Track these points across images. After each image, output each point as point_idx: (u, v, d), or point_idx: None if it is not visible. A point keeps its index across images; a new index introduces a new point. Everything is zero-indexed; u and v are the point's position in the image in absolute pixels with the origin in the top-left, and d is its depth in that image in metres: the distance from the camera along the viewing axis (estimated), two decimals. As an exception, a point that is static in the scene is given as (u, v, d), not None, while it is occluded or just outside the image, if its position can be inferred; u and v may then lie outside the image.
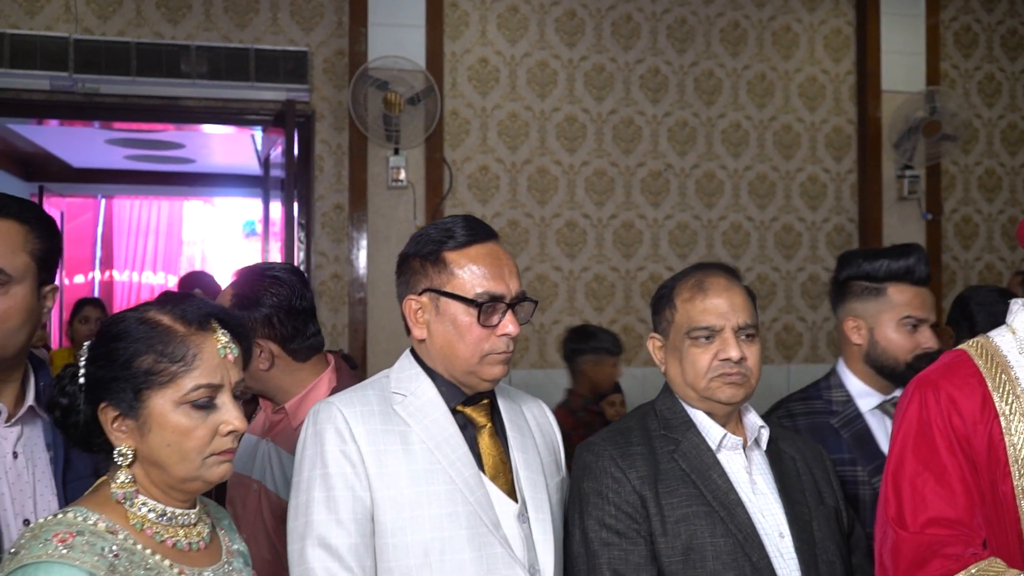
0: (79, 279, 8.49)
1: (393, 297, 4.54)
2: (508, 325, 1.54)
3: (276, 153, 4.75)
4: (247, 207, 8.75)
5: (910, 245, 2.11)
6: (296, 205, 4.43)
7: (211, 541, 1.34)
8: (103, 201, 8.61)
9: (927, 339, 2.03)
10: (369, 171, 4.51)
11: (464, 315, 1.53)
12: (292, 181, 4.29)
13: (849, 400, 2.07)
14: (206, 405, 1.26)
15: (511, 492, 1.56)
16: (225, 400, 1.28)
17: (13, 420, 1.53)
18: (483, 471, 1.54)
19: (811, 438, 1.91)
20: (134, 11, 4.40)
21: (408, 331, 1.61)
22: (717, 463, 1.66)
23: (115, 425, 1.25)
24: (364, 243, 4.52)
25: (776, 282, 4.99)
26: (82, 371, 1.27)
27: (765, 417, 1.87)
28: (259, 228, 8.73)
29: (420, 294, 1.57)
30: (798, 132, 4.98)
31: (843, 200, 5.03)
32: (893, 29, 4.93)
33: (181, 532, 1.29)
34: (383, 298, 4.52)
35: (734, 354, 1.65)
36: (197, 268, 7.96)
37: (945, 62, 5.08)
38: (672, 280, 1.79)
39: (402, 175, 4.47)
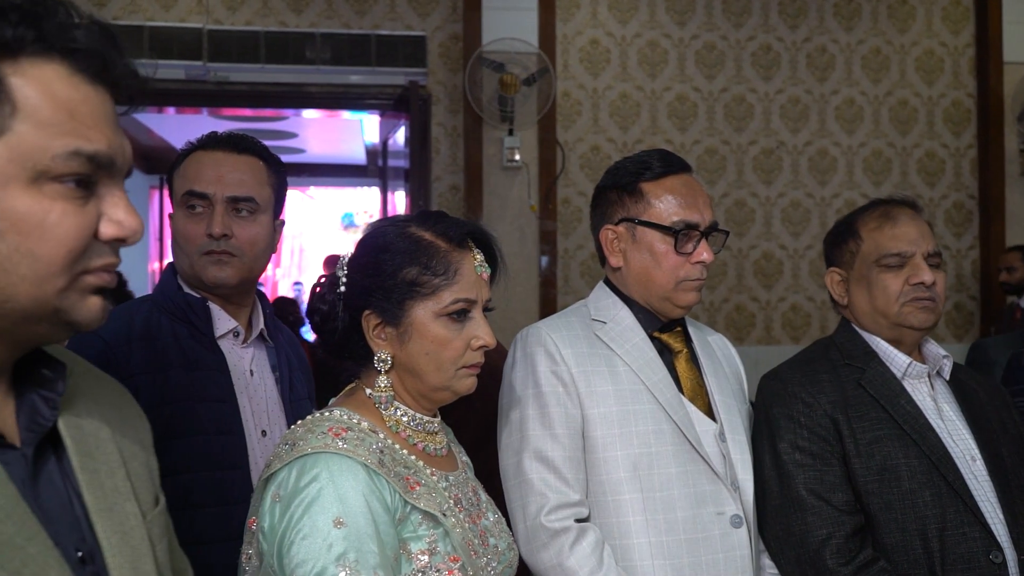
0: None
1: (509, 275, 4.65)
2: (703, 252, 1.60)
3: (393, 138, 4.89)
4: (348, 198, 8.98)
5: None
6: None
7: (449, 451, 1.41)
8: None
9: None
10: (484, 152, 4.60)
11: (660, 243, 1.60)
12: (415, 162, 4.41)
13: None
14: (462, 318, 1.31)
15: (709, 413, 1.61)
16: (477, 315, 1.33)
17: (248, 342, 1.65)
18: (681, 393, 1.60)
19: None
20: (260, 1, 4.59)
21: (603, 261, 1.68)
22: (904, 390, 1.68)
23: (375, 332, 1.31)
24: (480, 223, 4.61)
25: (893, 260, 4.91)
26: (343, 280, 1.33)
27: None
28: (357, 219, 8.97)
29: (617, 224, 1.64)
30: (915, 107, 4.90)
31: (963, 176, 4.92)
32: (1014, -1, 4.82)
33: (428, 438, 1.35)
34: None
35: (927, 277, 1.68)
36: (296, 260, 8.24)
37: (1070, 32, 4.93)
38: (851, 216, 1.82)
39: (517, 156, 4.54)
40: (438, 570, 1.22)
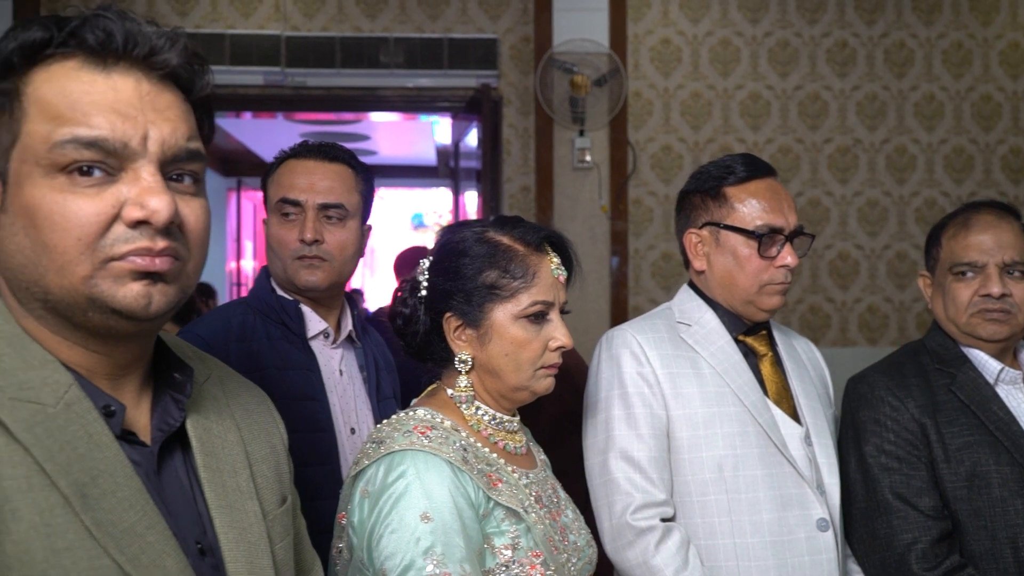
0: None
1: (583, 277, 4.66)
2: (787, 256, 1.59)
3: (464, 139, 4.94)
4: (417, 199, 9.10)
5: None
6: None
7: (528, 449, 1.44)
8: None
9: None
10: (555, 153, 4.61)
11: (744, 247, 1.60)
12: (487, 163, 4.46)
13: None
14: (540, 320, 1.34)
15: (794, 416, 1.61)
16: (555, 317, 1.36)
17: (337, 343, 1.70)
18: (766, 396, 1.60)
19: None
20: (336, 7, 4.68)
21: (687, 265, 1.69)
22: (996, 396, 1.65)
23: (456, 334, 1.35)
24: (551, 224, 4.63)
25: (975, 259, 4.77)
26: (424, 284, 1.38)
27: None
28: (427, 219, 9.08)
29: (700, 228, 1.65)
30: (999, 102, 4.75)
31: (1049, 172, 4.76)
32: (1106, -11, 4.64)
33: (509, 437, 1.39)
34: (569, 276, 4.61)
35: (995, 290, 1.65)
36: (367, 260, 8.37)
37: None
38: (941, 220, 1.80)
39: (587, 156, 4.55)
40: (521, 564, 1.25)
